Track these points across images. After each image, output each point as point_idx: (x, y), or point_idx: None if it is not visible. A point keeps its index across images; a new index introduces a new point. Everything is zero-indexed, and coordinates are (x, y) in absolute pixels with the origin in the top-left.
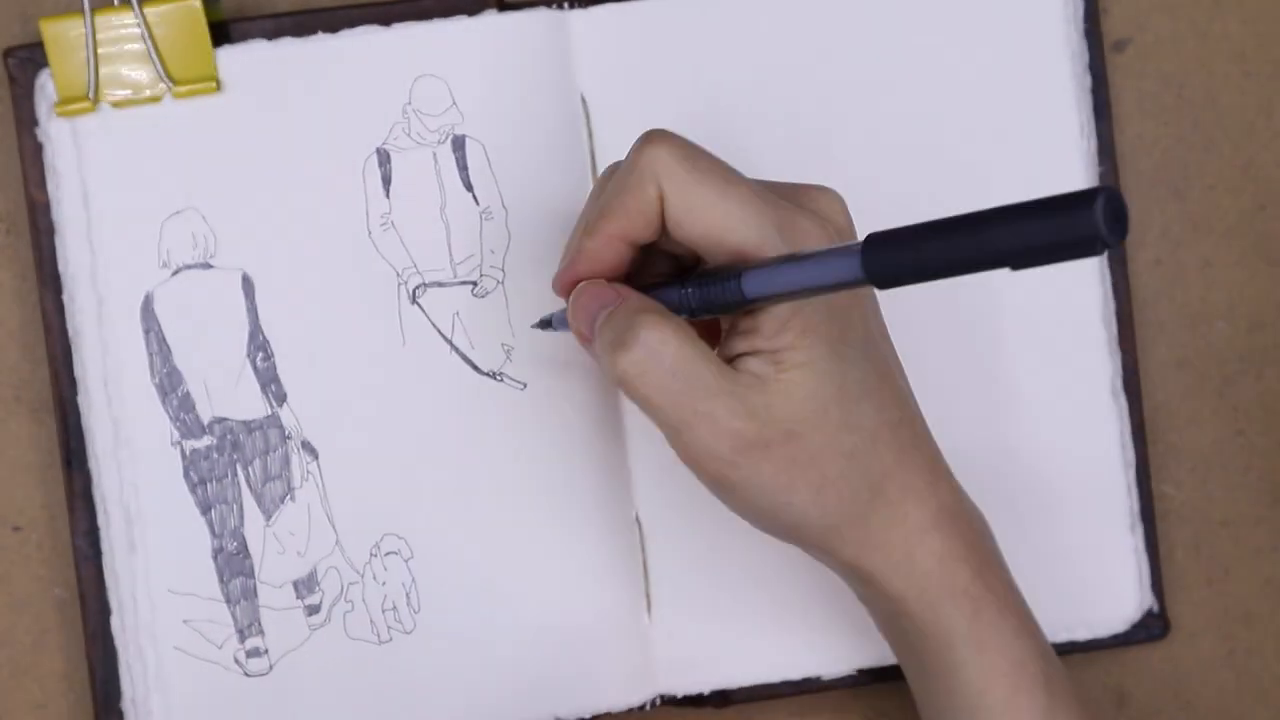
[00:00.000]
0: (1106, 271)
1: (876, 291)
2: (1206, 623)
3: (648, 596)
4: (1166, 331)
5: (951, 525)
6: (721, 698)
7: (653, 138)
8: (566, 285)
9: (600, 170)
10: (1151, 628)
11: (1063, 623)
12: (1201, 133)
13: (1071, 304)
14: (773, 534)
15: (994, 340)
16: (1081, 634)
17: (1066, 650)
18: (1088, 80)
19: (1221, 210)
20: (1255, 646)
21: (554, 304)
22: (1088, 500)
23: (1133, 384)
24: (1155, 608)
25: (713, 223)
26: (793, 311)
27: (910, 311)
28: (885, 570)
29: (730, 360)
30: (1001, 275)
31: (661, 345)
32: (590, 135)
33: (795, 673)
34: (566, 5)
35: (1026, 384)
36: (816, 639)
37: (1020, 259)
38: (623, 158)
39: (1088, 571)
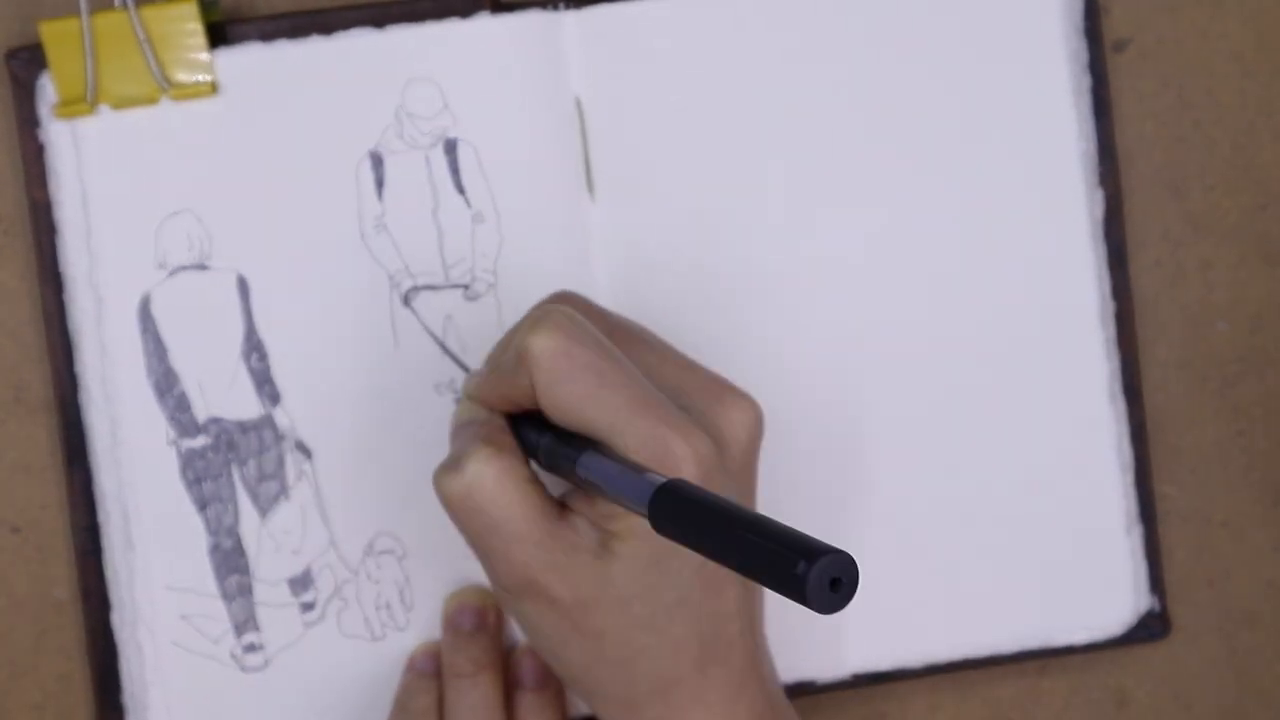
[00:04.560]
0: (1106, 273)
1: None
2: (1207, 623)
3: None
4: (1166, 332)
5: None
6: None
7: (538, 325)
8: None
9: (595, 174)
10: (1152, 628)
11: (1060, 626)
12: (1201, 133)
13: (1069, 306)
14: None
15: (991, 342)
16: (1080, 637)
17: (1065, 653)
18: (1087, 80)
19: (1221, 210)
20: (1255, 647)
21: None
22: (1085, 503)
23: (1133, 385)
24: (1156, 608)
25: (577, 421)
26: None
27: (909, 312)
28: None
29: (569, 505)
30: (999, 275)
31: (480, 479)
32: (584, 138)
33: (789, 676)
34: (560, 7)
35: (1024, 386)
36: (809, 642)
37: (761, 579)
38: (623, 161)
39: (1084, 575)
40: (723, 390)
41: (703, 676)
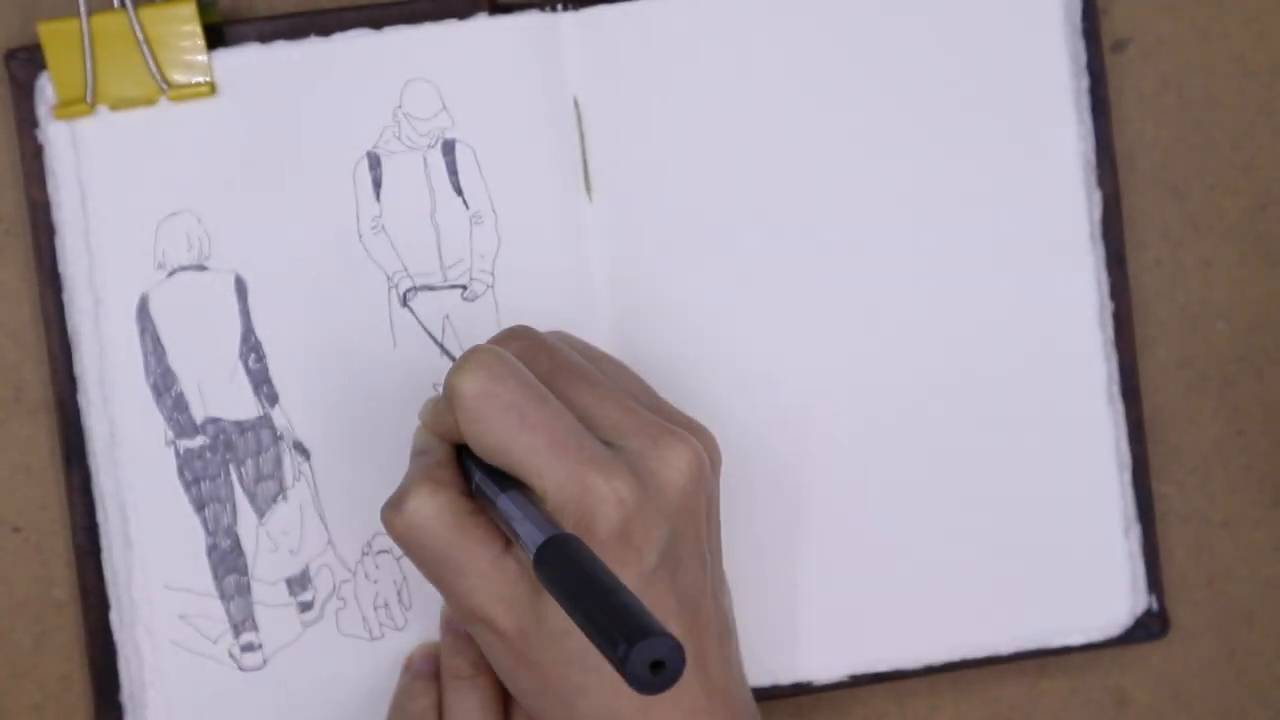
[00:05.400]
0: (1104, 273)
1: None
2: (1206, 623)
3: None
4: (1166, 331)
5: None
6: None
7: (464, 364)
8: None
9: (593, 174)
10: (1151, 628)
11: (1058, 626)
12: (1201, 133)
13: (1068, 306)
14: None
15: (990, 341)
16: (1079, 638)
17: (1063, 653)
18: (1086, 80)
19: (1221, 210)
20: (1255, 647)
21: (546, 309)
22: (1083, 503)
23: (1131, 385)
24: (1154, 608)
25: (501, 461)
26: None
27: (908, 311)
28: None
29: None
30: (998, 275)
31: (419, 516)
32: (582, 138)
33: (786, 678)
34: (559, 7)
35: (1022, 386)
36: (807, 643)
37: (601, 651)
38: (620, 162)
39: (1083, 575)
40: (660, 431)
41: (646, 716)
